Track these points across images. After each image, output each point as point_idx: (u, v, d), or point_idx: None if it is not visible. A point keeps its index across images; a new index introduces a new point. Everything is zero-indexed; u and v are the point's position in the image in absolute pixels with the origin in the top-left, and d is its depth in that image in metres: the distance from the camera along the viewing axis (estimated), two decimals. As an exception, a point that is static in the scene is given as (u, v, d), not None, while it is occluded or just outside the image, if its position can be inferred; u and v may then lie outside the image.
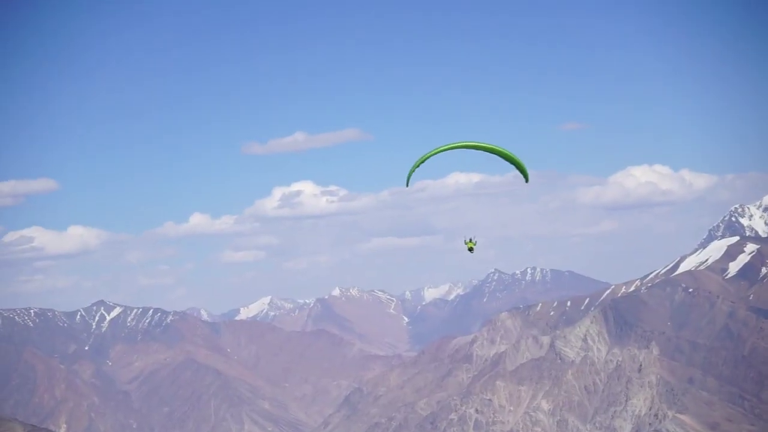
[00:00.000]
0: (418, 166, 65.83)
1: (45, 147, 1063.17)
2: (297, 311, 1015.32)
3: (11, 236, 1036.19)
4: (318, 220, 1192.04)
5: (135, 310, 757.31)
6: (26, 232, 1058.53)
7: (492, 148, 64.28)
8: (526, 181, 67.47)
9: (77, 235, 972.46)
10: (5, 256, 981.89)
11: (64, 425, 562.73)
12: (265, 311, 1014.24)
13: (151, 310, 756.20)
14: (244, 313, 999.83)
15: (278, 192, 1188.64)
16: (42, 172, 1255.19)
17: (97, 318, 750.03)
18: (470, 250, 72.46)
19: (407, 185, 68.39)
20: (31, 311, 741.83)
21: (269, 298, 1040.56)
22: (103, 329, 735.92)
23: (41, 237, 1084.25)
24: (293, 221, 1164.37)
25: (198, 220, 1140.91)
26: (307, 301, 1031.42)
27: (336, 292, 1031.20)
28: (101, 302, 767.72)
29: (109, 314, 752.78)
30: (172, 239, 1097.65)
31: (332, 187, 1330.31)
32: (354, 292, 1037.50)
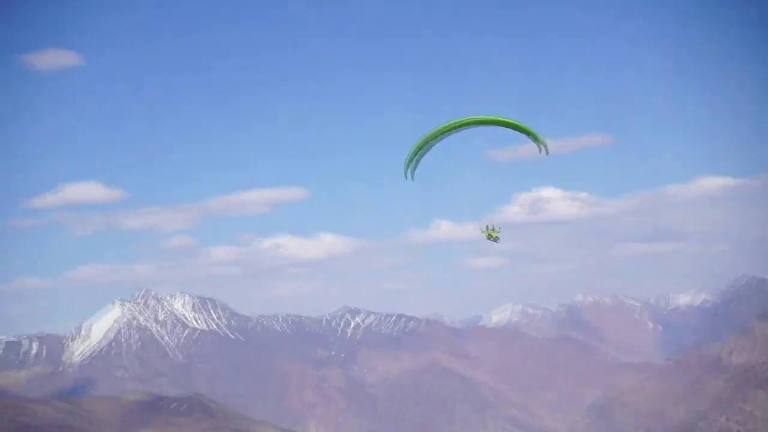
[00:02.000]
0: (416, 154, 60.05)
1: (295, 157, 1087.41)
2: (542, 317, 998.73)
3: (263, 243, 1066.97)
4: (562, 226, 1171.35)
5: (381, 316, 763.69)
6: (277, 239, 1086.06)
7: (498, 120, 59.85)
8: (546, 152, 62.80)
9: (326, 242, 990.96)
10: (258, 263, 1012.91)
11: (314, 429, 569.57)
12: (509, 317, 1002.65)
13: (395, 316, 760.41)
14: (488, 319, 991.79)
15: (521, 198, 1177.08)
16: (292, 181, 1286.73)
17: (344, 323, 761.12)
18: (492, 238, 66.09)
19: (410, 177, 62.34)
20: (282, 317, 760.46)
21: (514, 304, 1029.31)
22: (350, 335, 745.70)
23: (291, 244, 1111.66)
24: (537, 227, 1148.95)
25: (442, 227, 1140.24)
26: (552, 307, 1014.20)
27: (581, 297, 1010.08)
28: (348, 308, 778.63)
29: (355, 320, 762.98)
30: (417, 246, 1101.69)
31: (576, 192, 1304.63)
32: (600, 297, 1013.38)
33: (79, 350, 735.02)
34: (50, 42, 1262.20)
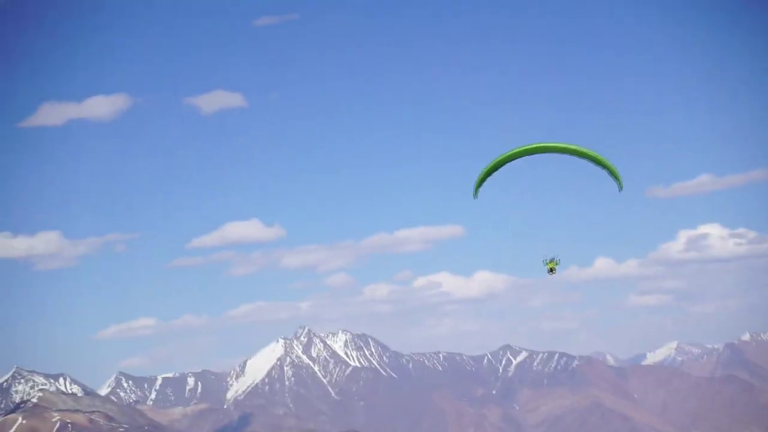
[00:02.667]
0: (489, 174, 58.97)
1: (452, 194, 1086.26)
2: (705, 356, 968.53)
3: (420, 281, 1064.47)
4: (726, 264, 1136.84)
5: (541, 355, 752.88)
6: (434, 277, 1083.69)
7: (575, 149, 57.42)
8: (620, 189, 60.13)
9: (483, 280, 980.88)
10: (415, 301, 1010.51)
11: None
12: (672, 356, 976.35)
13: (557, 355, 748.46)
14: (651, 358, 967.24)
15: (684, 235, 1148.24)
16: (449, 219, 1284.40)
17: (503, 362, 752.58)
18: (551, 271, 64.34)
19: (475, 196, 61.17)
20: (440, 355, 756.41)
21: (676, 342, 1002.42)
22: (510, 373, 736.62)
23: (449, 282, 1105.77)
24: (700, 264, 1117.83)
25: (602, 264, 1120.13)
26: (716, 346, 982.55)
27: (746, 337, 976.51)
28: (507, 346, 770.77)
29: (515, 358, 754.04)
30: (577, 283, 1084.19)
31: (741, 230, 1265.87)
32: (765, 337, 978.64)
33: (238, 387, 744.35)
34: (215, 84, 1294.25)
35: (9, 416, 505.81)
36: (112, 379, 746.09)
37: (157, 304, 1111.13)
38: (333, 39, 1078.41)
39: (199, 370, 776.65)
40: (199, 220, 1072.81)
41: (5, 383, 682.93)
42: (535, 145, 57.21)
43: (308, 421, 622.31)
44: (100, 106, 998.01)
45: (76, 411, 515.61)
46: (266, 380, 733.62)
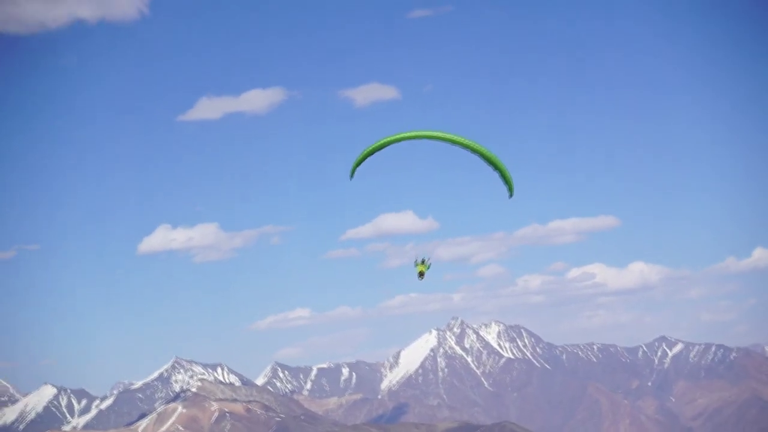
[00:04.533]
0: (368, 156, 54.10)
1: (607, 185, 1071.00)
2: None
3: (574, 272, 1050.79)
4: None
5: (697, 347, 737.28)
6: (588, 268, 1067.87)
7: (468, 144, 52.74)
8: (510, 195, 55.66)
9: (637, 271, 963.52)
10: (569, 292, 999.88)
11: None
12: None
13: (714, 347, 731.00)
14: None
15: None
16: (603, 210, 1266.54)
17: (659, 354, 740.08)
18: (420, 275, 57.52)
19: (351, 177, 55.97)
20: (595, 346, 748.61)
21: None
22: (666, 365, 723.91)
23: (603, 273, 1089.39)
24: None
25: (761, 254, 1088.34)
26: None
27: None
28: (663, 338, 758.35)
29: (671, 350, 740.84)
30: (734, 274, 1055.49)
31: None
32: None
33: (392, 378, 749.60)
34: (370, 77, 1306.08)
35: (169, 405, 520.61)
36: (269, 369, 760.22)
37: (312, 296, 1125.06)
38: (487, 31, 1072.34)
39: (354, 361, 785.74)
40: (353, 212, 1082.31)
41: (165, 373, 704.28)
42: (417, 133, 52.78)
43: (462, 412, 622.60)
44: (257, 100, 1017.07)
45: (234, 400, 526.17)
46: (420, 371, 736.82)
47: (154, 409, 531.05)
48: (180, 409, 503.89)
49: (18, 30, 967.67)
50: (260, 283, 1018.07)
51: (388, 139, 52.58)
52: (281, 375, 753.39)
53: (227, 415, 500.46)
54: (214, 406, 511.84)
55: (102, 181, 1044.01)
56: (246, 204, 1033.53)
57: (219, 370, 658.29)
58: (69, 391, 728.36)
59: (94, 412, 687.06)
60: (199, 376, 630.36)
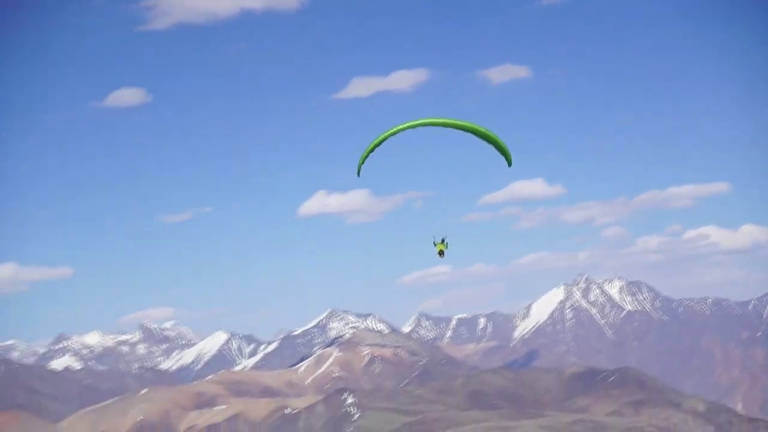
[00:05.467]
0: (372, 150, 51.92)
1: (719, 152, 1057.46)
2: None
3: (689, 234, 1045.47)
4: None
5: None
6: (702, 230, 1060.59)
7: (464, 125, 51.02)
8: (509, 165, 53.78)
9: (749, 233, 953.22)
10: (685, 252, 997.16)
11: (740, 403, 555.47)
12: None
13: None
14: None
15: None
16: (717, 176, 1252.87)
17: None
18: (440, 253, 56.11)
19: (358, 175, 53.66)
20: (708, 300, 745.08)
21: None
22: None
23: (716, 234, 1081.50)
24: None
25: None
26: None
27: None
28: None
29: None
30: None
31: None
32: None
33: (524, 327, 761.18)
34: (504, 58, 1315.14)
35: (326, 350, 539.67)
36: (413, 318, 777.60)
37: (452, 254, 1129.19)
38: (615, 18, 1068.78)
39: (489, 312, 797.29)
40: (488, 179, 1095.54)
41: (322, 321, 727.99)
42: (420, 121, 50.86)
43: (587, 358, 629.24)
44: (403, 80, 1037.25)
45: (383, 346, 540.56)
46: (549, 321, 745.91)
47: (313, 353, 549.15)
48: (335, 353, 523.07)
49: (193, 20, 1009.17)
50: (406, 242, 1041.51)
51: (386, 134, 50.85)
52: (424, 324, 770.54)
53: (377, 359, 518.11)
54: (366, 350, 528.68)
55: (267, 152, 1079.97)
56: (393, 172, 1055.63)
57: (370, 319, 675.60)
58: (239, 336, 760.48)
59: (260, 355, 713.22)
60: (352, 325, 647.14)
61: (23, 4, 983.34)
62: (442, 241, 55.93)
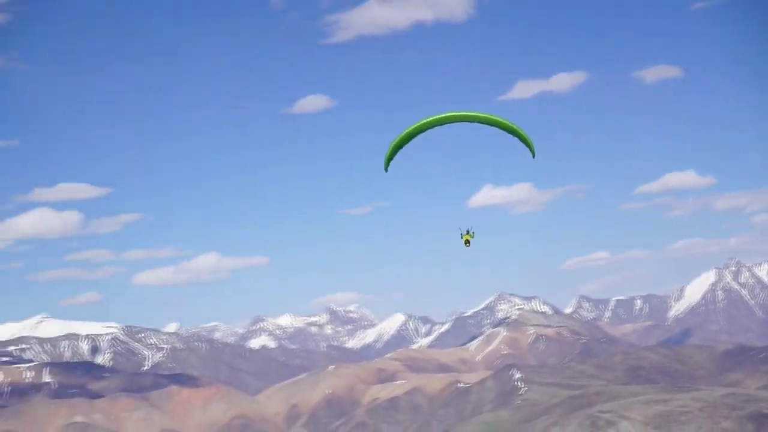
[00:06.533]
0: (400, 147, 48.94)
1: None
2: None
3: None
4: None
5: None
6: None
7: (487, 117, 48.07)
8: (533, 156, 50.64)
9: None
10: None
11: None
12: None
13: None
14: None
15: None
16: None
17: None
18: (466, 242, 54.10)
19: (386, 170, 50.81)
20: None
21: None
22: None
23: None
24: None
25: None
26: None
27: None
28: None
29: None
30: None
31: None
32: None
33: (678, 308, 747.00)
34: (658, 59, 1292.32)
35: (495, 329, 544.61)
36: (575, 300, 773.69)
37: (609, 240, 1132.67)
38: (765, 18, 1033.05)
39: (645, 294, 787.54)
40: (643, 171, 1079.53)
41: (491, 304, 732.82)
42: (446, 115, 48.12)
43: (738, 336, 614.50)
44: (563, 81, 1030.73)
45: (547, 326, 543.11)
46: (701, 302, 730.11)
47: (483, 333, 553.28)
48: (503, 332, 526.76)
49: (372, 32, 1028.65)
50: (567, 230, 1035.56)
51: (421, 123, 48.30)
52: (585, 306, 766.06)
53: (541, 337, 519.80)
54: (531, 330, 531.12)
55: (437, 151, 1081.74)
56: (557, 166, 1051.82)
57: (534, 301, 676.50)
58: (416, 318, 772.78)
59: (435, 334, 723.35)
60: (518, 306, 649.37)
61: (225, 31, 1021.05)
62: (468, 231, 54.62)
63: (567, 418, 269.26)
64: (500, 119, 48.57)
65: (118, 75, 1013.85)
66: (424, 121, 48.16)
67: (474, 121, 48.87)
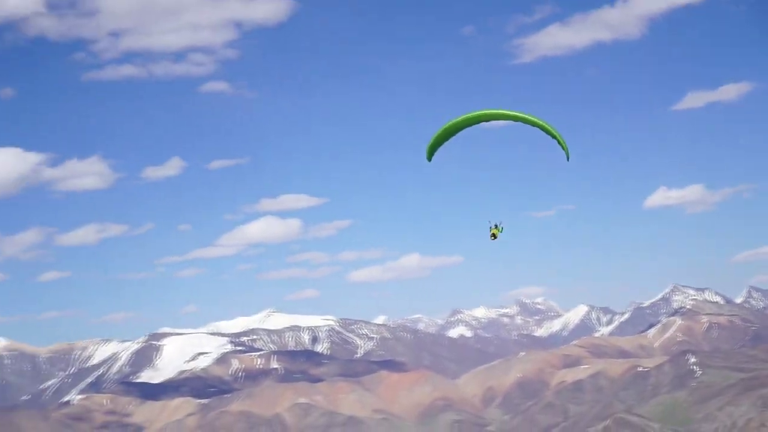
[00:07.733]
0: (444, 138, 45.70)
1: None
2: None
3: None
4: None
5: None
6: None
7: (526, 118, 44.11)
8: (567, 159, 46.48)
9: None
10: None
11: None
12: None
13: None
14: None
15: None
16: None
17: None
18: (493, 236, 51.47)
19: (429, 160, 46.92)
20: None
21: None
22: None
23: None
24: None
25: None
26: None
27: None
28: None
29: None
30: None
31: None
32: None
33: None
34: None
35: (670, 318, 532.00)
36: (745, 291, 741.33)
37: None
38: None
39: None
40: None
41: (666, 295, 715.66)
42: (489, 112, 44.69)
43: None
44: (730, 92, 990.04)
45: (719, 315, 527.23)
46: None
47: (659, 321, 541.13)
48: (679, 321, 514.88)
49: (554, 53, 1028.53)
50: (738, 229, 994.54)
51: (470, 116, 45.19)
52: (755, 296, 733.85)
53: (715, 325, 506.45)
54: (705, 318, 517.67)
55: (616, 156, 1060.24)
56: (732, 164, 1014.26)
57: (707, 292, 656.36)
58: (597, 308, 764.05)
59: (615, 323, 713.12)
60: (692, 297, 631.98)
61: (422, 55, 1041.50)
62: (496, 226, 52.54)
63: (739, 398, 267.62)
64: (537, 119, 44.76)
65: (332, 98, 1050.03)
66: (465, 117, 45.04)
67: (511, 120, 45.35)
